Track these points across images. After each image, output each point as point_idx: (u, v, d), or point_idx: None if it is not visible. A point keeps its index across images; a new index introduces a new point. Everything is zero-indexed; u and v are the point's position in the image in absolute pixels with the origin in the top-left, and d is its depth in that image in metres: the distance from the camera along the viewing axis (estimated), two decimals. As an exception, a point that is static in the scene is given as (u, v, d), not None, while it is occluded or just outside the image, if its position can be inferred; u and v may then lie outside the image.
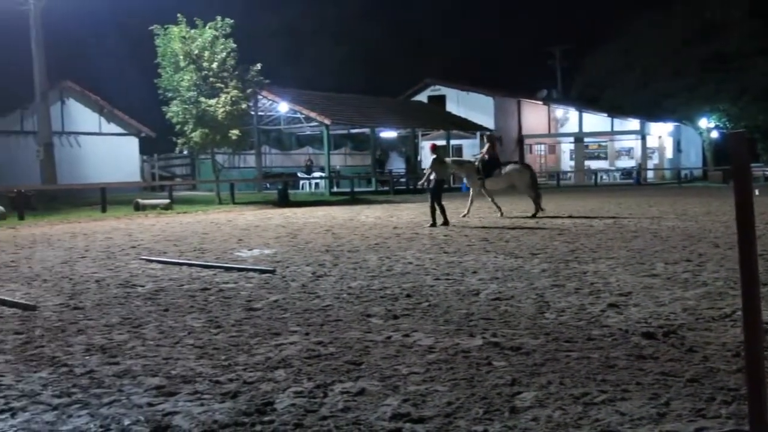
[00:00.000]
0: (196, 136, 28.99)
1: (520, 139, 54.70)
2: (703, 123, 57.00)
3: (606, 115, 53.92)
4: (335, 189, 40.25)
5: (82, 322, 7.51)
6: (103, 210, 25.76)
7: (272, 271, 10.69)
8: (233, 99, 28.86)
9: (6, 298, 8.76)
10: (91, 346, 6.51)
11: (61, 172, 32.50)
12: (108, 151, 40.22)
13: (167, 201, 28.02)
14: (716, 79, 53.13)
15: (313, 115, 39.56)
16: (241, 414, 4.68)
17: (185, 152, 38.25)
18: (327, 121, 38.80)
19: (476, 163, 21.05)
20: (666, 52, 55.26)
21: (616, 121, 53.80)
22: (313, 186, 41.97)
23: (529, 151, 56.31)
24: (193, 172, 46.51)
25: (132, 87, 42.35)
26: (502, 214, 20.44)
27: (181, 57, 28.45)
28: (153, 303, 8.50)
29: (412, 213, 23.20)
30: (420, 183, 20.07)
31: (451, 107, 52.73)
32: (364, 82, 58.37)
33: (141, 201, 27.47)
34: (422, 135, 50.28)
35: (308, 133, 48.69)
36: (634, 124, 53.73)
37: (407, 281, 9.69)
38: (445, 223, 17.87)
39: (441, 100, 54.15)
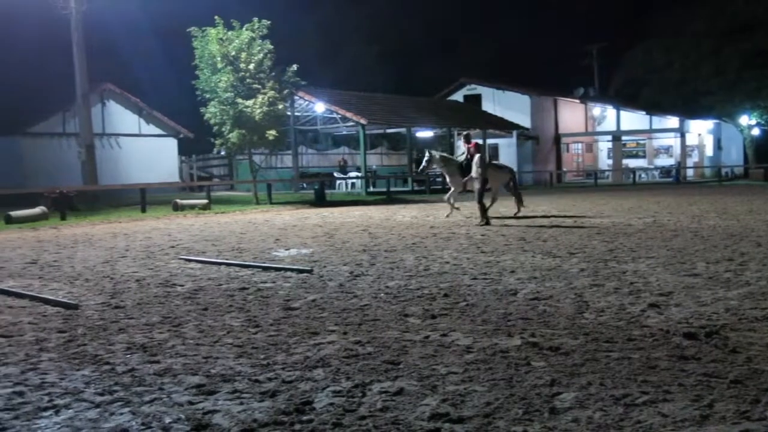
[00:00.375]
0: (233, 136, 29.19)
1: (557, 138, 54.28)
2: (744, 120, 56.04)
3: (644, 113, 53.26)
4: (371, 189, 40.26)
5: (123, 321, 7.61)
6: (143, 210, 26.05)
7: (310, 271, 10.73)
8: (270, 100, 29.00)
9: (49, 297, 8.92)
10: (132, 344, 6.59)
11: (102, 173, 32.92)
12: (147, 152, 40.68)
13: (205, 201, 28.25)
14: (757, 75, 52.22)
15: (349, 115, 39.62)
16: (280, 413, 4.70)
17: (223, 153, 38.58)
18: (363, 121, 38.84)
19: (463, 163, 21.00)
20: (705, 48, 54.46)
21: (655, 118, 53.12)
22: (349, 186, 42.04)
23: (566, 150, 55.87)
24: (231, 173, 46.87)
25: (170, 89, 42.87)
26: (448, 216, 20.70)
27: (219, 59, 28.65)
28: (192, 302, 8.58)
29: (449, 212, 23.10)
30: (463, 181, 19.95)
31: (487, 106, 52.49)
32: (400, 81, 58.44)
33: (180, 201, 27.72)
34: (458, 134, 50.11)
35: (344, 133, 48.80)
36: (673, 121, 53.01)
37: (445, 281, 9.67)
38: (486, 222, 17.78)
39: (477, 99, 53.91)
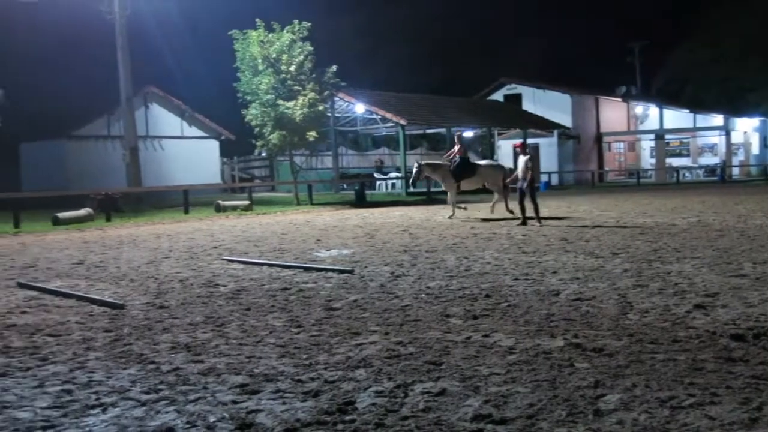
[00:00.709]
0: (274, 138, 29.38)
1: (599, 137, 53.74)
2: (792, 117, 55.02)
3: (688, 111, 52.52)
4: (411, 189, 40.24)
5: (168, 321, 7.70)
6: (186, 211, 26.35)
7: (351, 271, 10.76)
8: (310, 101, 29.13)
9: (96, 297, 9.06)
10: (176, 344, 6.67)
11: (146, 175, 33.33)
12: (190, 153, 41.12)
13: (247, 202, 28.48)
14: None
15: (388, 115, 39.63)
16: (323, 413, 4.72)
17: (264, 154, 38.84)
18: (403, 122, 38.82)
19: (452, 166, 20.93)
20: (751, 45, 53.53)
21: (699, 116, 52.34)
22: (389, 186, 42.06)
23: (607, 149, 55.26)
24: (272, 174, 47.16)
25: (212, 91, 43.25)
26: (450, 217, 20.79)
27: (260, 61, 28.88)
28: (235, 302, 8.65)
29: (489, 213, 23.03)
30: (507, 181, 19.84)
31: (528, 106, 52.15)
32: (439, 81, 58.29)
33: (222, 202, 27.99)
34: (498, 134, 49.88)
35: (384, 133, 48.84)
36: (717, 119, 52.17)
37: (486, 281, 9.63)
38: (523, 222, 17.69)
39: (517, 98, 53.59)
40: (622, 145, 56.88)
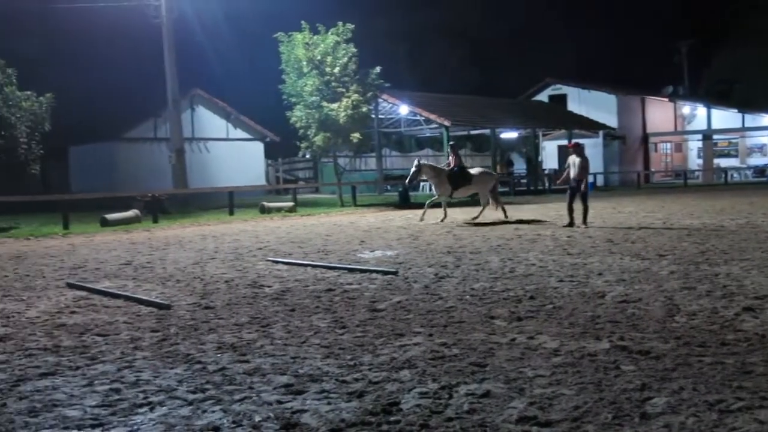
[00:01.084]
0: (318, 139, 29.51)
1: (645, 138, 53.07)
2: None
3: (736, 110, 51.60)
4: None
5: (214, 321, 7.78)
6: (231, 213, 26.60)
7: (395, 273, 10.77)
8: (354, 103, 29.19)
9: (143, 298, 9.19)
10: (222, 344, 6.74)
11: (192, 177, 33.72)
12: (235, 155, 41.51)
13: (291, 204, 28.66)
14: None
15: (432, 117, 39.57)
16: (368, 413, 4.74)
17: (308, 156, 39.04)
18: (447, 123, 38.73)
19: (450, 173, 20.81)
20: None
21: (748, 116, 51.39)
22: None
23: (654, 150, 54.56)
24: (316, 175, 47.39)
25: (257, 93, 43.60)
26: (443, 220, 20.56)
27: (305, 63, 29.02)
28: (280, 303, 8.71)
29: (534, 214, 22.92)
30: (558, 181, 19.61)
31: (573, 106, 51.69)
32: (484, 82, 58.05)
33: (266, 204, 28.20)
34: (543, 135, 49.54)
35: (428, 135, 48.79)
36: (767, 119, 51.21)
37: (530, 283, 9.57)
38: (570, 224, 17.45)
39: (562, 99, 53.17)
40: (668, 145, 56.10)
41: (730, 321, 6.98)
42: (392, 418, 4.65)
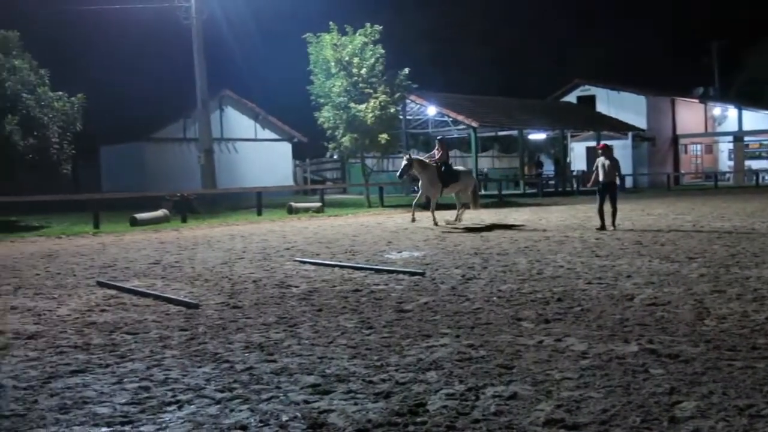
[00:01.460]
0: (346, 140, 29.56)
1: (675, 139, 52.58)
2: None
3: (768, 112, 51.01)
4: (483, 192, 40.01)
5: (241, 321, 7.83)
6: (259, 213, 26.72)
7: (422, 274, 10.77)
8: (382, 104, 29.21)
9: (172, 297, 9.27)
10: (249, 343, 6.78)
11: (220, 177, 33.92)
12: (263, 156, 41.69)
13: (319, 204, 28.73)
14: None
15: (460, 118, 39.51)
16: (394, 414, 4.74)
17: (336, 156, 39.12)
18: (474, 124, 38.65)
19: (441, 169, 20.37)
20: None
21: (781, 118, 50.78)
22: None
23: (683, 151, 54.04)
24: (344, 176, 47.49)
25: (285, 94, 43.76)
26: (436, 224, 19.90)
27: (333, 64, 29.09)
28: (307, 303, 8.75)
29: (562, 216, 22.79)
30: (589, 184, 19.33)
31: (601, 107, 51.35)
32: (511, 83, 57.85)
33: (294, 204, 28.31)
34: (571, 137, 49.23)
35: (455, 135, 48.70)
36: (800, 121, 50.54)
37: (558, 285, 9.53)
38: (602, 227, 17.15)
39: (591, 100, 52.84)
40: (698, 147, 55.56)
41: (761, 325, 6.90)
42: (419, 419, 4.65)
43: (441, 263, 12.08)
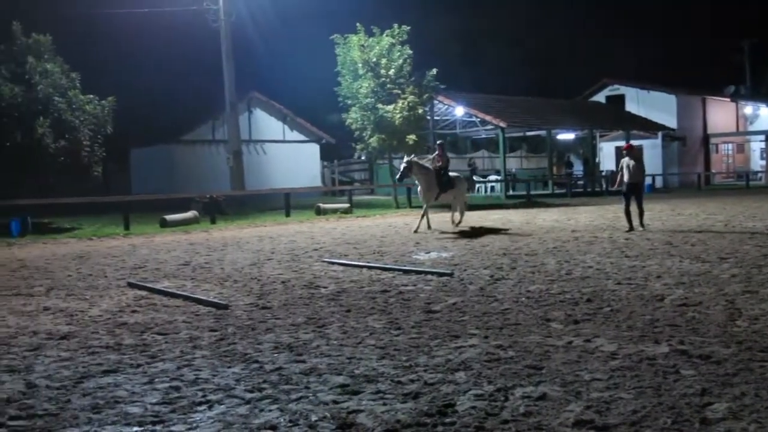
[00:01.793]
0: (374, 141, 29.59)
1: (705, 138, 52.05)
2: None
3: (802, 110, 50.31)
4: (511, 192, 39.88)
5: (270, 321, 7.87)
6: (287, 214, 26.82)
7: (450, 274, 10.75)
8: (410, 105, 29.21)
9: (202, 298, 9.34)
10: (279, 344, 6.81)
11: (249, 178, 34.09)
12: (291, 157, 41.85)
13: (347, 205, 28.79)
14: None
15: (488, 118, 39.41)
16: (423, 414, 4.74)
17: (363, 157, 39.15)
18: (502, 124, 38.54)
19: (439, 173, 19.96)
20: None
21: (814, 116, 50.07)
22: (488, 189, 41.80)
23: (714, 151, 53.46)
24: (372, 177, 47.55)
25: (313, 95, 43.93)
26: (430, 227, 19.39)
27: (360, 65, 29.15)
28: (336, 304, 8.77)
29: (591, 216, 22.65)
30: (615, 186, 19.08)
31: (631, 107, 50.96)
32: (540, 83, 57.70)
33: (322, 205, 28.39)
34: (600, 136, 48.90)
35: (483, 136, 48.59)
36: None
37: (587, 285, 9.47)
38: (630, 229, 16.96)
39: (620, 99, 52.47)
40: (730, 146, 54.94)
41: (795, 326, 6.82)
42: (447, 420, 4.64)
43: (469, 264, 12.06)
